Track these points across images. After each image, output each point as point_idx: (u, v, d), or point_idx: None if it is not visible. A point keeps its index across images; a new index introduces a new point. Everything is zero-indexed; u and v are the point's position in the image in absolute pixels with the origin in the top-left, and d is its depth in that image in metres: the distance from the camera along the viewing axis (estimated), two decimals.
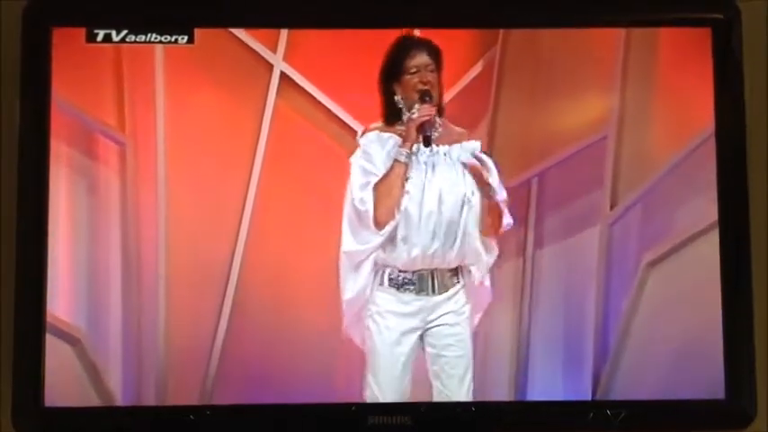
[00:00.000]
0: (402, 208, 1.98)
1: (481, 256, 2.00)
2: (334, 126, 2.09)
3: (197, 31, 2.01)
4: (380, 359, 1.96)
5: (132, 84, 2.03)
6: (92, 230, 2.00)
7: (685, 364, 1.97)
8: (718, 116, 1.99)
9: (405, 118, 2.01)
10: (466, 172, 2.01)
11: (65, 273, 1.96)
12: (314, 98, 2.09)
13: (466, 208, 2.01)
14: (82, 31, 1.98)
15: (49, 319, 1.94)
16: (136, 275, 2.00)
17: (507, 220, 2.02)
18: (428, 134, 1.98)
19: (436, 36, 2.05)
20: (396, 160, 1.98)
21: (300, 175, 2.06)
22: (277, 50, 2.07)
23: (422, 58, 2.00)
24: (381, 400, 1.95)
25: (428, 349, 1.99)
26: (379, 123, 2.05)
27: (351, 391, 1.98)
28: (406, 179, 1.98)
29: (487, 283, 2.03)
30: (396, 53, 2.02)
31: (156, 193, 2.02)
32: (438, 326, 1.99)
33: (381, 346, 1.97)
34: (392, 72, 2.02)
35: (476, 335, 2.03)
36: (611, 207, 2.05)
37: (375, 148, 2.01)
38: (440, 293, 1.99)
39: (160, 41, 2.01)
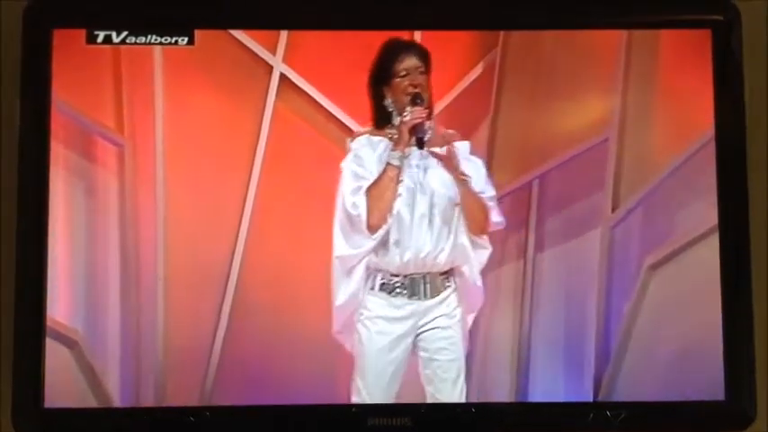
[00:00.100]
0: (394, 211, 2.03)
1: (470, 256, 2.05)
2: (333, 128, 2.14)
3: (197, 33, 2.07)
4: (370, 364, 2.01)
5: (131, 85, 2.08)
6: (90, 233, 2.05)
7: (686, 365, 2.02)
8: (717, 118, 2.04)
9: (395, 121, 2.07)
10: (469, 182, 2.07)
11: (63, 275, 2.01)
12: (313, 100, 2.15)
13: (458, 209, 2.06)
14: (82, 33, 2.04)
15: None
16: (134, 277, 2.05)
17: (496, 218, 2.07)
18: (421, 136, 2.03)
19: (437, 38, 2.12)
20: (388, 163, 2.03)
21: (300, 176, 2.11)
22: (277, 52, 2.12)
23: (411, 61, 2.06)
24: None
25: (421, 353, 2.04)
26: (369, 127, 2.10)
27: (351, 393, 2.03)
28: (399, 182, 2.04)
29: (479, 283, 2.07)
30: (385, 57, 2.07)
31: (155, 195, 2.07)
32: (430, 329, 2.04)
33: (371, 352, 2.02)
34: (381, 76, 2.07)
35: (476, 337, 2.09)
36: (613, 209, 2.10)
37: (366, 152, 2.06)
38: (432, 297, 2.04)
39: (160, 43, 2.06)
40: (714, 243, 2.04)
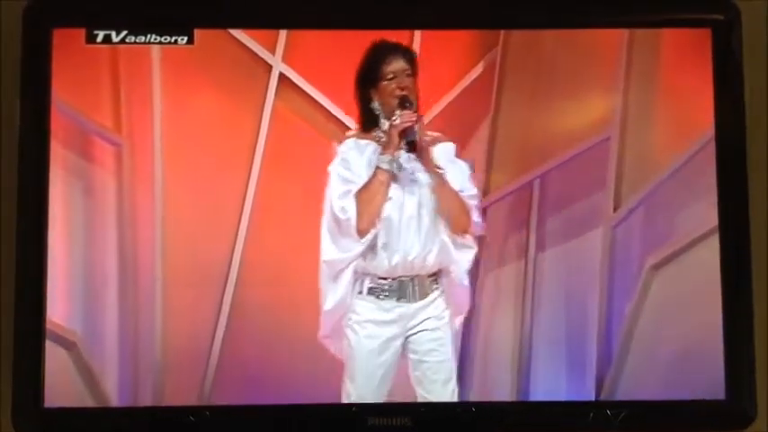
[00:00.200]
0: (384, 215, 2.08)
1: (453, 255, 2.11)
2: (332, 127, 2.20)
3: (196, 32, 2.13)
4: (360, 368, 2.07)
5: (129, 85, 2.14)
6: (88, 233, 2.11)
7: (686, 364, 2.09)
8: (717, 117, 2.11)
9: (382, 124, 2.12)
10: (444, 174, 2.11)
11: (60, 276, 2.07)
12: (313, 99, 2.21)
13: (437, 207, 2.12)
14: (82, 32, 2.10)
15: None
16: (133, 278, 2.11)
17: (477, 218, 2.13)
18: (411, 140, 2.07)
19: (437, 37, 2.19)
20: (378, 167, 2.09)
21: (299, 176, 2.17)
22: (276, 51, 2.19)
23: (398, 64, 2.12)
24: None
25: (410, 356, 2.10)
26: (355, 131, 2.16)
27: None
28: (389, 186, 2.08)
29: (466, 282, 2.13)
30: (371, 59, 2.12)
31: (153, 195, 2.13)
32: (419, 332, 2.10)
33: (360, 355, 2.08)
34: (368, 78, 2.13)
35: (476, 337, 2.15)
36: (615, 209, 2.17)
37: (353, 156, 2.12)
38: (420, 300, 2.10)
39: (160, 42, 2.12)
40: (716, 243, 2.10)
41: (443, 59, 2.21)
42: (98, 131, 2.15)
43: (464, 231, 2.13)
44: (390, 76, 2.12)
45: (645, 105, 2.19)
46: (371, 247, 2.09)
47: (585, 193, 2.19)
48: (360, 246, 2.09)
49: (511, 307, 2.18)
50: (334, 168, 2.13)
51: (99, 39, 2.12)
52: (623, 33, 2.18)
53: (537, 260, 2.19)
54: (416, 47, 2.21)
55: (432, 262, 2.11)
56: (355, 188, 2.11)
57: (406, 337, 2.11)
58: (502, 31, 2.20)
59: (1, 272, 2.10)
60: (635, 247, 2.16)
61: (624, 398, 2.10)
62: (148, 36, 2.13)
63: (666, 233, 2.15)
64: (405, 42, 2.19)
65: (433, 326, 2.12)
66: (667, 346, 2.11)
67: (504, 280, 2.19)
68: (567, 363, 2.14)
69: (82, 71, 2.12)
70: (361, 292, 2.11)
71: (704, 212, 2.12)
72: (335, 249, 2.10)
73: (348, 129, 2.20)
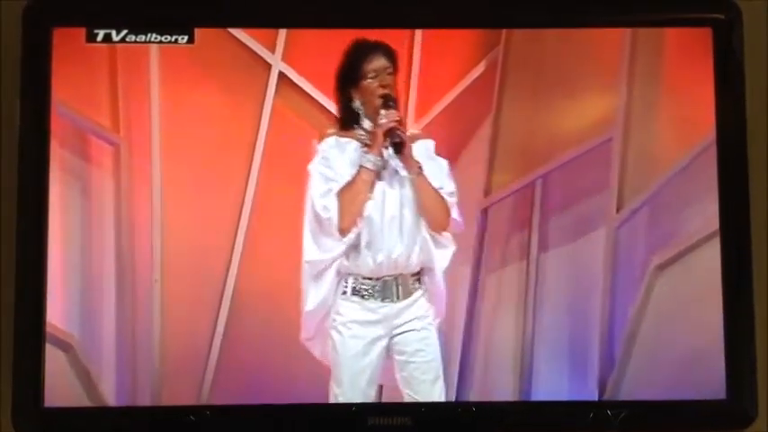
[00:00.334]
0: (365, 214, 2.17)
1: (432, 253, 2.20)
2: (332, 126, 2.28)
3: (197, 31, 2.22)
4: (345, 369, 2.16)
5: (127, 84, 2.22)
6: (85, 234, 2.19)
7: (687, 364, 2.17)
8: (718, 117, 2.19)
9: (363, 122, 2.21)
10: (423, 171, 2.20)
11: (57, 277, 2.15)
12: (312, 98, 2.30)
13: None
14: (82, 31, 2.19)
15: None
16: (130, 280, 2.20)
17: (456, 216, 2.21)
18: (398, 141, 2.16)
19: (438, 36, 2.28)
20: (362, 167, 2.18)
21: (299, 175, 2.24)
22: (275, 50, 2.28)
23: (380, 62, 2.20)
24: None
25: (396, 357, 2.19)
26: (335, 129, 2.24)
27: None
28: (373, 186, 2.17)
29: (442, 286, 2.22)
30: (352, 58, 2.21)
31: (152, 195, 2.22)
32: (405, 332, 2.19)
33: (345, 357, 2.17)
34: (349, 77, 2.21)
35: (477, 338, 2.24)
36: (618, 210, 2.25)
37: (334, 154, 2.21)
38: (404, 299, 2.20)
39: (160, 41, 2.21)
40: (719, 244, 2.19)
41: (444, 59, 2.30)
42: (96, 131, 2.23)
43: (443, 229, 2.22)
44: (372, 74, 2.21)
45: (648, 105, 2.27)
46: (355, 247, 2.18)
47: (588, 194, 2.27)
48: (341, 245, 2.17)
49: (513, 308, 2.27)
50: (315, 167, 2.21)
51: (99, 38, 2.21)
52: (626, 33, 2.27)
53: (539, 261, 2.28)
54: (417, 46, 2.30)
55: (415, 260, 2.20)
56: (337, 187, 2.19)
57: (392, 338, 2.20)
58: (503, 30, 2.29)
59: (1, 272, 2.19)
60: (638, 249, 2.25)
61: (625, 397, 2.18)
62: (149, 35, 2.22)
63: (670, 234, 2.24)
64: (406, 42, 2.29)
65: (420, 326, 2.21)
66: (670, 347, 2.20)
67: (507, 281, 2.28)
68: (570, 365, 2.23)
69: (80, 70, 2.20)
70: (345, 293, 2.20)
71: (708, 213, 2.20)
72: (317, 249, 2.18)
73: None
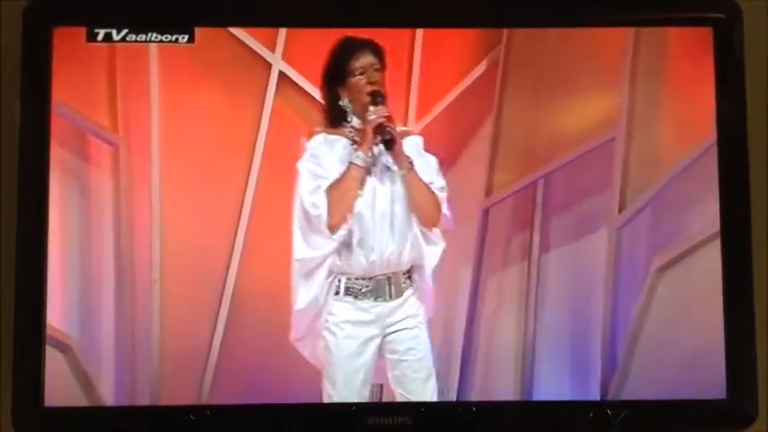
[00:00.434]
0: (355, 211, 2.24)
1: (423, 250, 2.28)
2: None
3: (197, 31, 2.29)
4: (339, 371, 2.24)
5: (126, 83, 2.30)
6: (84, 234, 2.27)
7: (689, 365, 2.25)
8: (719, 116, 2.27)
9: (351, 119, 2.28)
10: (414, 167, 2.26)
11: (56, 278, 2.22)
12: (312, 97, 2.37)
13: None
14: (82, 31, 2.27)
15: None
16: (129, 280, 2.27)
17: (446, 211, 2.28)
18: (388, 138, 2.23)
19: (439, 35, 2.35)
20: (352, 163, 2.25)
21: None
22: (276, 49, 2.35)
23: (367, 59, 2.28)
24: None
25: (388, 356, 2.27)
26: (323, 126, 2.31)
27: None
28: (363, 183, 2.24)
29: (432, 284, 2.29)
30: (339, 55, 2.28)
31: (151, 195, 2.30)
32: (397, 331, 2.27)
33: (339, 358, 2.24)
34: (336, 75, 2.29)
35: (478, 339, 2.32)
36: (620, 210, 2.33)
37: (323, 151, 2.28)
38: (396, 298, 2.27)
39: (160, 41, 2.28)
40: None
41: (445, 58, 2.38)
42: (95, 131, 2.30)
43: (434, 224, 2.30)
44: (359, 71, 2.29)
45: (650, 105, 2.34)
46: (347, 246, 2.26)
47: (590, 194, 2.35)
48: (332, 243, 2.25)
49: (514, 309, 2.34)
50: (304, 164, 2.28)
51: (100, 37, 2.29)
52: (628, 32, 2.34)
53: (541, 261, 2.35)
54: (418, 45, 2.38)
55: (406, 258, 2.28)
56: (326, 184, 2.26)
57: (384, 337, 2.28)
58: (505, 30, 2.36)
59: (1, 272, 2.26)
60: (641, 249, 2.33)
61: (626, 398, 2.26)
62: (149, 35, 2.30)
63: (673, 234, 2.31)
64: (406, 41, 2.37)
65: (412, 324, 2.29)
66: (672, 348, 2.27)
67: (508, 281, 2.35)
68: (571, 366, 2.31)
69: (79, 70, 2.28)
70: (337, 293, 2.28)
71: (711, 213, 2.28)
72: (307, 247, 2.25)
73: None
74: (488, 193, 2.41)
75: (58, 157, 2.26)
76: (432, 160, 2.32)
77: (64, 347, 2.24)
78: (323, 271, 2.27)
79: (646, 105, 2.35)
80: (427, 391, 2.27)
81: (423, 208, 2.28)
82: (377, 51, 2.30)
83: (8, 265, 2.24)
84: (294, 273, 2.27)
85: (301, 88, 2.39)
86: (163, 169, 2.32)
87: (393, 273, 2.28)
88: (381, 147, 2.26)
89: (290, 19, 2.34)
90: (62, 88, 2.27)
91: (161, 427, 2.22)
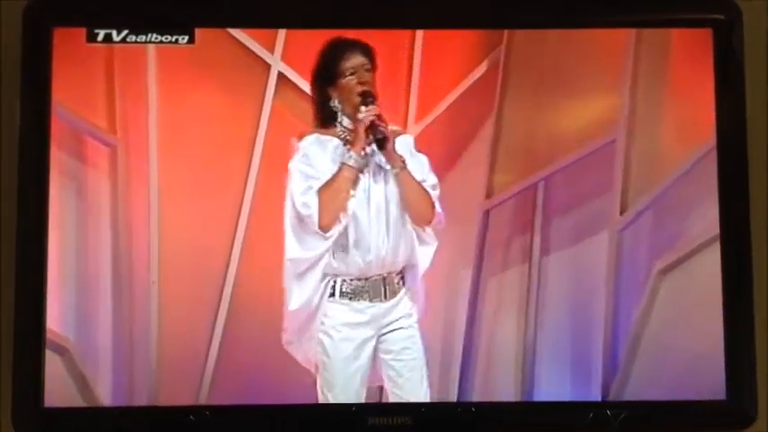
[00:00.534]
0: (350, 212, 2.32)
1: (416, 249, 2.37)
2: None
3: (197, 32, 2.37)
4: (337, 374, 2.33)
5: (124, 84, 2.37)
6: (81, 236, 2.35)
7: (689, 367, 2.33)
8: (718, 117, 2.35)
9: (341, 120, 2.36)
10: (407, 166, 2.34)
11: (53, 280, 2.30)
12: (311, 98, 2.44)
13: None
14: (82, 32, 2.34)
15: None
16: (127, 282, 2.35)
17: (439, 209, 2.36)
18: (380, 138, 2.31)
19: (439, 35, 2.43)
20: (344, 164, 2.33)
21: None
22: (275, 50, 2.43)
23: (357, 59, 2.36)
24: None
25: (382, 356, 2.36)
26: (314, 127, 2.38)
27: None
28: (356, 183, 2.32)
29: (423, 285, 2.38)
30: (329, 56, 2.36)
31: (149, 197, 2.38)
32: (392, 331, 2.36)
33: (337, 361, 2.33)
34: (326, 76, 2.37)
35: (478, 341, 2.40)
36: (621, 212, 2.41)
37: (315, 151, 2.35)
38: (390, 299, 2.36)
39: (161, 42, 2.36)
40: None
41: (446, 59, 2.46)
42: (92, 132, 2.38)
43: (427, 222, 2.38)
44: (350, 72, 2.36)
45: (652, 107, 2.43)
46: (343, 247, 2.34)
47: (591, 196, 2.43)
48: (325, 243, 2.32)
49: (514, 312, 2.42)
50: (295, 165, 2.36)
51: (100, 38, 2.37)
52: (630, 33, 2.42)
53: (541, 264, 2.43)
54: (418, 46, 2.46)
55: (401, 258, 2.36)
56: (317, 184, 2.33)
57: (379, 337, 2.36)
58: (505, 31, 2.44)
59: (1, 272, 2.34)
60: (642, 252, 2.41)
61: (627, 399, 2.34)
62: (149, 35, 2.38)
63: (675, 236, 2.39)
64: (407, 42, 2.45)
65: (406, 324, 2.38)
66: (673, 350, 2.35)
67: (508, 284, 2.43)
68: (572, 368, 2.39)
69: (77, 71, 2.35)
70: (333, 295, 2.36)
71: (713, 216, 2.36)
72: (299, 247, 2.33)
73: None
74: (489, 194, 2.49)
75: (56, 158, 2.34)
76: (422, 159, 2.40)
77: (61, 350, 2.31)
78: (317, 273, 2.34)
79: (647, 107, 2.43)
80: (422, 391, 2.36)
81: (416, 206, 2.37)
82: (367, 52, 2.37)
83: (8, 265, 2.32)
84: (286, 273, 2.35)
85: (300, 89, 2.46)
86: (161, 170, 2.39)
87: (388, 273, 2.37)
88: (374, 146, 2.34)
89: (290, 20, 2.42)
90: (60, 89, 2.34)
91: (161, 427, 2.30)
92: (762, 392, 2.33)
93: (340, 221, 2.32)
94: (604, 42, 2.44)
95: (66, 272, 2.34)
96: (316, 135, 2.38)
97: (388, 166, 2.35)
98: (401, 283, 2.39)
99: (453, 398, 2.41)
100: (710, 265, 2.36)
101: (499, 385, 2.40)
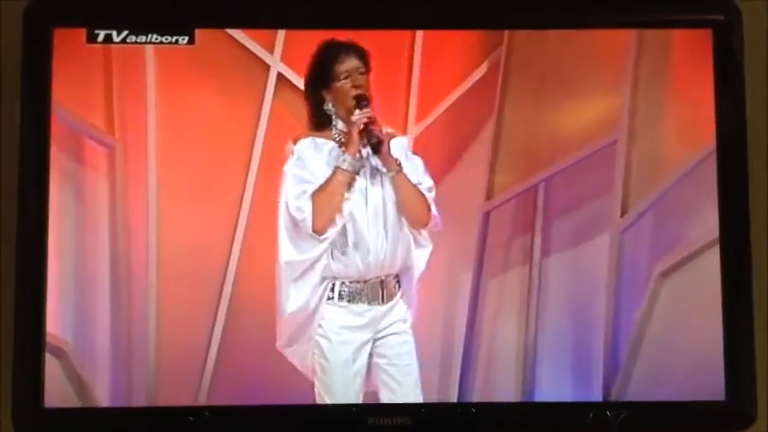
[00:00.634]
0: (347, 213, 2.39)
1: (413, 252, 2.44)
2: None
3: (197, 32, 2.44)
4: (336, 377, 2.40)
5: (122, 85, 2.45)
6: (79, 238, 2.42)
7: (689, 368, 2.41)
8: (718, 118, 2.42)
9: (336, 123, 2.43)
10: (402, 169, 2.41)
11: (51, 282, 2.36)
12: None
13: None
14: (83, 32, 2.42)
15: None
16: (126, 284, 2.42)
17: (434, 211, 2.43)
18: (374, 142, 2.39)
19: (440, 36, 2.51)
20: (338, 167, 2.40)
21: None
22: (274, 51, 2.51)
23: (351, 62, 2.43)
24: None
25: (377, 360, 2.44)
26: (309, 130, 2.45)
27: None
28: (351, 186, 2.40)
29: (416, 289, 2.45)
30: (323, 59, 2.43)
31: (147, 198, 2.45)
32: (388, 335, 2.44)
33: (336, 365, 2.41)
34: (320, 79, 2.43)
35: (479, 343, 2.47)
36: (622, 214, 2.48)
37: (309, 154, 2.42)
38: (388, 302, 2.44)
39: (161, 42, 2.44)
40: None
41: (446, 60, 2.54)
42: (90, 133, 2.45)
43: (423, 225, 2.46)
44: (344, 75, 2.43)
45: (653, 107, 2.50)
46: (342, 249, 2.42)
47: (592, 198, 2.50)
48: (320, 245, 2.39)
49: (515, 314, 2.49)
50: (290, 168, 2.42)
51: (100, 38, 2.44)
52: (630, 34, 2.50)
53: (542, 265, 2.50)
54: (418, 47, 2.53)
55: (398, 261, 2.43)
56: (311, 188, 2.39)
57: (374, 341, 2.44)
58: (506, 31, 2.51)
59: (1, 272, 2.41)
60: (643, 253, 2.48)
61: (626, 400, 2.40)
62: (149, 36, 2.45)
63: (676, 238, 2.46)
64: (407, 43, 2.52)
65: (402, 329, 2.46)
66: (674, 352, 2.43)
67: (509, 286, 2.51)
68: (573, 370, 2.46)
69: (75, 72, 2.42)
70: (331, 298, 2.44)
71: (714, 218, 2.43)
72: (295, 250, 2.40)
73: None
74: (489, 196, 2.56)
75: (54, 159, 2.40)
76: (417, 161, 2.48)
77: (58, 352, 2.38)
78: (314, 276, 2.42)
79: (648, 108, 2.51)
80: (417, 395, 2.44)
81: (412, 209, 2.45)
82: (361, 54, 2.44)
83: (8, 266, 2.38)
84: (282, 276, 2.41)
85: (300, 90, 2.52)
86: (159, 172, 2.46)
87: (386, 276, 2.44)
88: (370, 150, 2.40)
89: (289, 21, 2.49)
90: (59, 89, 2.41)
91: (161, 427, 2.38)
92: (761, 393, 2.41)
93: (335, 223, 2.39)
94: (605, 43, 2.51)
95: (65, 274, 2.41)
96: (311, 138, 2.45)
97: (384, 169, 2.43)
98: (397, 286, 2.46)
99: (454, 399, 2.48)
100: (711, 267, 2.44)
101: (500, 388, 2.48)
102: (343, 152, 2.42)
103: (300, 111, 2.51)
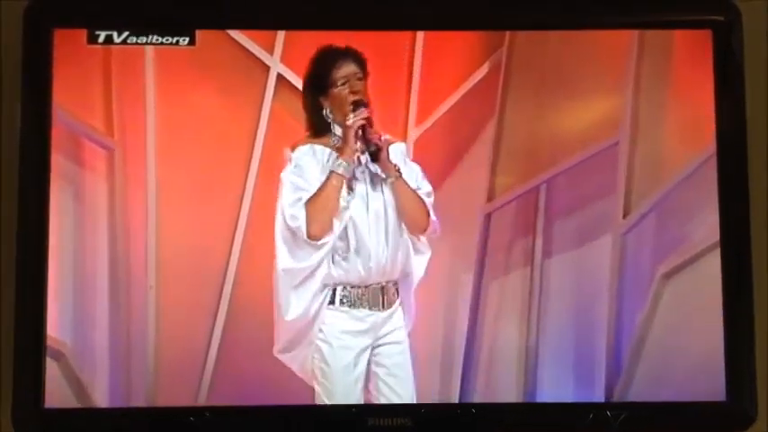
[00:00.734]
0: (348, 217, 2.46)
1: (412, 258, 2.52)
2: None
3: (198, 33, 2.51)
4: (337, 383, 2.47)
5: (122, 87, 2.51)
6: (78, 240, 2.48)
7: (690, 369, 2.48)
8: (718, 118, 2.49)
9: (335, 129, 2.49)
10: (401, 174, 2.47)
11: (50, 284, 2.42)
12: None
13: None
14: (83, 33, 2.48)
15: None
16: (125, 286, 2.48)
17: (433, 217, 2.50)
18: (373, 150, 2.45)
19: (440, 37, 2.58)
20: (333, 172, 2.46)
21: None
22: (274, 52, 2.58)
23: (349, 68, 2.49)
24: None
25: (374, 369, 2.50)
26: (308, 136, 2.51)
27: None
28: (351, 191, 2.47)
29: (413, 300, 2.53)
30: (321, 65, 2.49)
31: (146, 200, 2.51)
32: (387, 344, 2.51)
33: (337, 370, 2.47)
34: (318, 85, 2.49)
35: (480, 345, 2.54)
36: (624, 215, 2.55)
37: (307, 161, 2.48)
38: (387, 308, 2.51)
39: (161, 43, 2.51)
40: None
41: (447, 60, 2.60)
42: (89, 134, 2.50)
43: (422, 231, 2.53)
44: (342, 81, 2.49)
45: (655, 108, 2.56)
46: (343, 255, 2.49)
47: (594, 199, 2.55)
48: (318, 252, 2.46)
49: (516, 316, 2.55)
50: (287, 176, 2.48)
51: (101, 39, 2.51)
52: (632, 35, 2.56)
53: (544, 267, 2.56)
54: (419, 48, 2.60)
55: (399, 266, 2.50)
56: (306, 196, 2.45)
57: (373, 348, 2.52)
58: (507, 32, 2.57)
59: (1, 273, 2.47)
60: (646, 255, 2.54)
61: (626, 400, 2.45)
62: (150, 37, 2.52)
63: (679, 240, 2.52)
64: (407, 44, 2.59)
65: (400, 338, 2.54)
66: (676, 353, 2.49)
67: (510, 287, 2.56)
68: (575, 372, 2.52)
69: (75, 73, 2.48)
70: (332, 303, 2.51)
71: (716, 220, 2.50)
72: (293, 259, 2.46)
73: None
74: (490, 197, 2.63)
75: (54, 161, 2.45)
76: (415, 166, 2.55)
77: (57, 355, 2.43)
78: (315, 282, 2.48)
79: (650, 109, 2.57)
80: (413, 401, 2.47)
81: (412, 214, 2.52)
82: (358, 60, 2.50)
83: (8, 267, 2.44)
84: (281, 284, 2.47)
85: (299, 91, 2.57)
86: (159, 173, 2.52)
87: (386, 282, 2.51)
88: (368, 157, 2.46)
89: (289, 21, 2.56)
90: (59, 91, 2.47)
91: (161, 428, 2.45)
92: (762, 394, 2.48)
93: (332, 229, 2.46)
94: (606, 44, 2.58)
95: (64, 276, 2.46)
96: (309, 145, 2.52)
97: (384, 175, 2.50)
98: (396, 293, 2.54)
99: (455, 401, 2.56)
100: (714, 269, 2.51)
101: (501, 390, 2.54)
102: (338, 156, 2.47)
103: (300, 112, 2.58)
